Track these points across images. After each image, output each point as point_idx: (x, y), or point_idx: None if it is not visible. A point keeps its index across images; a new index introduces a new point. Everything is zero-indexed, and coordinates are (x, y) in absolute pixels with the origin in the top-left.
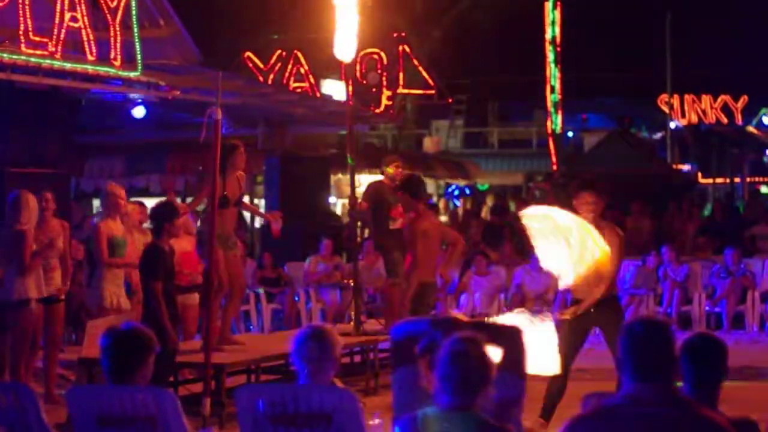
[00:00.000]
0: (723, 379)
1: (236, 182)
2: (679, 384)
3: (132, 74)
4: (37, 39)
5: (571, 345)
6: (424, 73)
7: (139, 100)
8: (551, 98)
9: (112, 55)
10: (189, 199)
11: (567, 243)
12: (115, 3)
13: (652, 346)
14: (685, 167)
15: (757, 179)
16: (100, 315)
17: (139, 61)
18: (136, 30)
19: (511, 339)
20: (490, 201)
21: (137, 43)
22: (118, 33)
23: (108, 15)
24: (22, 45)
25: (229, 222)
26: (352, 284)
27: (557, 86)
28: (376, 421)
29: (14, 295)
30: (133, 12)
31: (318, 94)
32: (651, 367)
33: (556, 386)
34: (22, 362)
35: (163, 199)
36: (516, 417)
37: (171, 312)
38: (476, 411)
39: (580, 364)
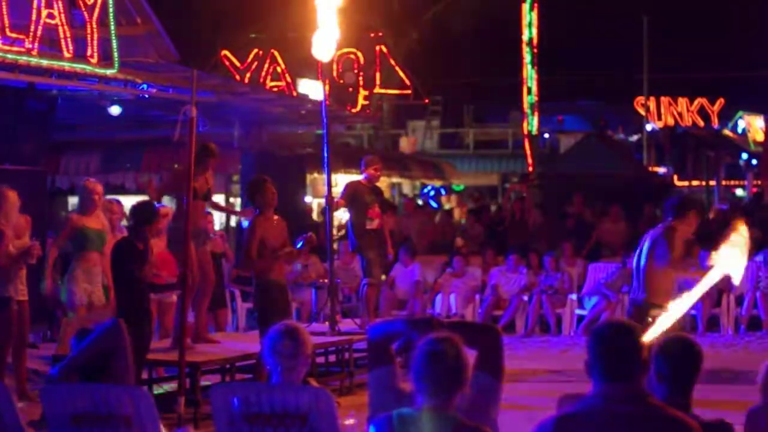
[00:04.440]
0: (696, 381)
1: (203, 179)
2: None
3: (108, 72)
4: (14, 35)
5: None
6: (401, 74)
7: (116, 98)
8: (527, 100)
9: (89, 52)
10: (165, 198)
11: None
12: (92, 0)
13: (619, 348)
14: (661, 170)
15: (732, 182)
16: (73, 311)
17: (116, 59)
18: (113, 27)
19: (488, 339)
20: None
21: (114, 41)
22: (95, 30)
23: (85, 12)
24: None
25: (198, 217)
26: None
27: (534, 88)
28: (351, 420)
29: None
30: (111, 9)
31: (294, 94)
32: (619, 368)
33: None
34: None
35: (143, 198)
36: (492, 417)
37: (144, 310)
38: (452, 411)
39: (556, 366)
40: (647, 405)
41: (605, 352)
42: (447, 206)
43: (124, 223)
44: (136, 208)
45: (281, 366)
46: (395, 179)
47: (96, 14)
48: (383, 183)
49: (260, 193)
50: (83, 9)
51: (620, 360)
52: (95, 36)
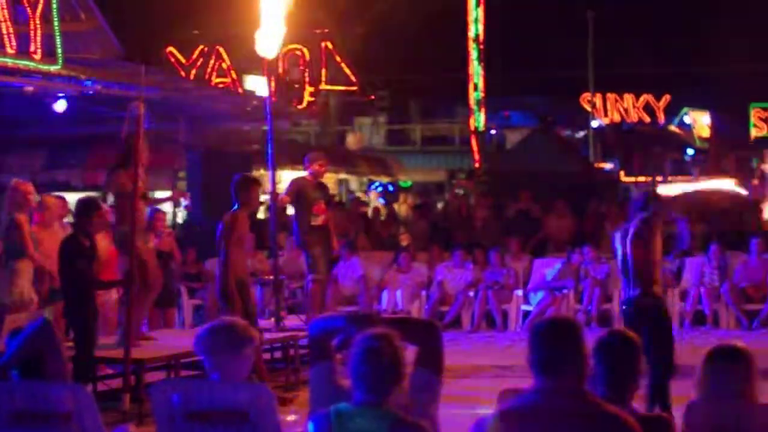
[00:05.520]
0: (636, 376)
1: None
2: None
3: (52, 68)
4: None
5: None
6: (347, 70)
7: (60, 94)
8: (474, 96)
9: (32, 48)
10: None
11: None
12: None
13: (555, 342)
14: (608, 166)
15: (678, 178)
16: (14, 309)
17: (60, 55)
18: (56, 23)
19: (428, 335)
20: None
21: (58, 37)
22: (38, 26)
23: (28, 8)
24: None
25: (143, 216)
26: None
27: (480, 84)
28: (293, 416)
29: None
30: (54, 5)
31: (240, 90)
32: (556, 363)
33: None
34: None
35: (85, 194)
36: (431, 413)
37: (91, 306)
38: (389, 407)
39: (502, 361)
40: (584, 400)
41: (543, 347)
42: (364, 200)
43: (69, 219)
44: (76, 204)
45: (213, 362)
46: (342, 176)
47: (39, 10)
48: (330, 179)
49: (246, 193)
50: (26, 5)
51: (557, 355)
52: (38, 32)
